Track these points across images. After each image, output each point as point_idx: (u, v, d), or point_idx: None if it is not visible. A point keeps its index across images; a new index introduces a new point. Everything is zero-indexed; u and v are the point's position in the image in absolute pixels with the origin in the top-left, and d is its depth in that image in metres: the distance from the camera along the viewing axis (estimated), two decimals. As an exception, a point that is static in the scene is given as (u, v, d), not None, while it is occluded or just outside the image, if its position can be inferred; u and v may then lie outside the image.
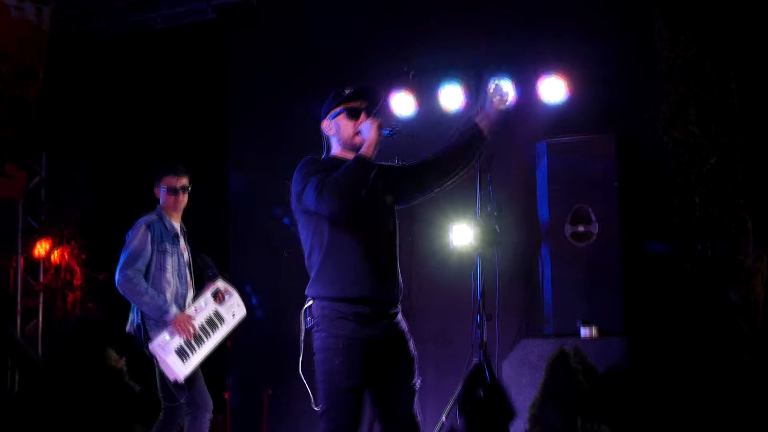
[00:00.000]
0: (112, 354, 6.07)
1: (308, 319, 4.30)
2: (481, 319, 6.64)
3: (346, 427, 4.18)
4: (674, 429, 5.96)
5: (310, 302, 4.33)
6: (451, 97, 7.18)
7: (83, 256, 9.12)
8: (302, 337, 4.34)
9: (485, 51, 7.13)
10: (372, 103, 4.50)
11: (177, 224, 6.27)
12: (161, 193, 6.25)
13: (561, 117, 6.90)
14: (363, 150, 4.25)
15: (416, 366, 4.34)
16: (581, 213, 6.54)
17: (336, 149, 4.49)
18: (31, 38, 8.77)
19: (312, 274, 4.32)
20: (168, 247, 6.11)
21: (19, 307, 8.99)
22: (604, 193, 6.52)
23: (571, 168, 6.60)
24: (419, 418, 4.33)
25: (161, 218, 6.18)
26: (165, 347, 5.88)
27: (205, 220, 7.21)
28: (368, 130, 4.30)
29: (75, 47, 9.20)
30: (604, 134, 6.63)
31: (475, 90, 7.10)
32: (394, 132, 4.42)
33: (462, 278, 6.98)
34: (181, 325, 5.93)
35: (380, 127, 4.32)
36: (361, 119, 4.41)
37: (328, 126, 4.48)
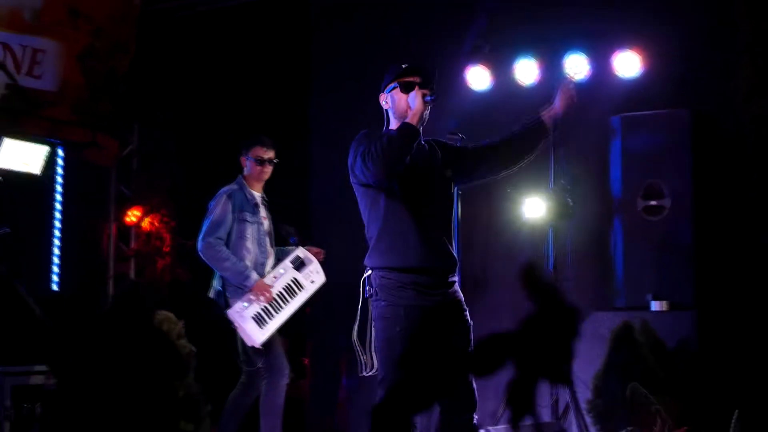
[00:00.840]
0: (169, 316, 6.28)
1: (367, 288, 4.47)
2: (553, 291, 6.72)
3: None
4: (743, 405, 5.98)
5: (369, 272, 4.48)
6: (526, 71, 7.23)
7: (173, 224, 9.42)
8: (360, 306, 4.51)
9: (560, 25, 7.15)
10: (426, 78, 4.59)
11: (258, 194, 6.48)
12: (248, 162, 6.48)
13: (636, 91, 6.89)
14: (408, 119, 4.40)
15: (471, 335, 4.47)
16: (654, 187, 6.55)
17: (393, 122, 4.64)
18: (122, 13, 9.05)
19: (371, 245, 4.49)
20: (248, 216, 6.33)
21: (111, 271, 9.34)
22: (677, 168, 6.52)
23: (645, 142, 6.62)
24: (474, 386, 4.46)
25: (242, 188, 6.41)
26: (243, 314, 6.11)
27: (288, 193, 7.41)
28: (413, 99, 4.43)
29: (166, 21, 9.46)
30: (680, 109, 6.62)
31: (550, 64, 7.15)
32: (433, 98, 4.51)
33: (534, 251, 7.07)
34: (260, 291, 6.16)
35: (424, 96, 4.44)
36: (416, 92, 4.51)
37: (384, 99, 4.66)
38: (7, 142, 7.69)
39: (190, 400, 5.47)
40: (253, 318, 6.11)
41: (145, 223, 9.38)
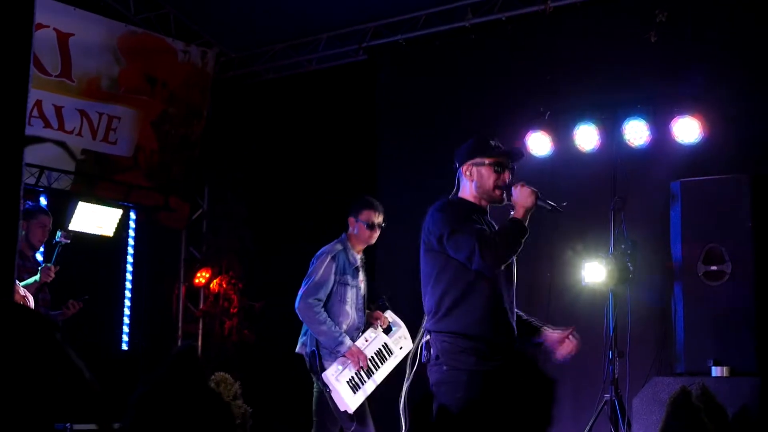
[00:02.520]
0: (225, 377, 6.39)
1: (425, 353, 4.47)
2: (613, 355, 6.75)
3: None
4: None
5: (428, 336, 4.48)
6: (586, 137, 7.31)
7: (240, 285, 9.61)
8: (413, 369, 4.55)
9: (620, 91, 7.25)
10: (514, 161, 4.71)
11: (359, 256, 6.49)
12: (357, 225, 6.42)
13: (695, 157, 6.94)
14: (519, 215, 4.46)
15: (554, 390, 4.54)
16: (714, 252, 6.55)
17: (470, 193, 4.65)
18: (196, 80, 9.38)
19: (437, 310, 4.47)
20: (349, 279, 6.32)
21: (180, 332, 9.55)
22: (737, 233, 6.51)
23: (705, 208, 6.63)
24: None
25: (345, 249, 6.38)
26: (338, 377, 6.12)
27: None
28: (525, 197, 4.48)
29: (236, 88, 9.76)
30: (739, 174, 6.63)
31: (611, 130, 7.23)
32: (551, 208, 4.69)
33: (595, 315, 7.09)
34: (355, 357, 6.14)
35: (537, 198, 4.52)
36: (505, 175, 4.61)
37: (468, 170, 4.65)
38: (82, 205, 7.98)
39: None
40: (348, 382, 6.13)
41: (214, 285, 9.59)
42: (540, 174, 7.61)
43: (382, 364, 6.30)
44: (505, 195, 4.61)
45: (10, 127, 2.59)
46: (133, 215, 8.94)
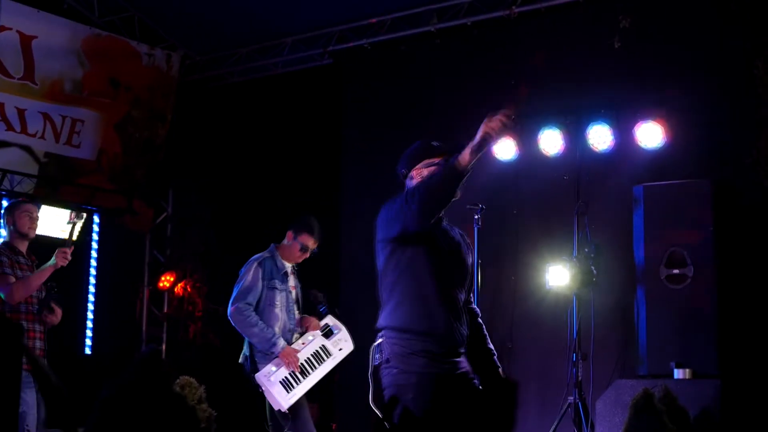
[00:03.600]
0: (190, 381, 6.34)
1: (377, 356, 4.34)
2: (577, 358, 6.80)
3: None
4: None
5: (380, 339, 4.36)
6: (551, 141, 7.37)
7: (205, 289, 9.58)
8: (370, 372, 4.51)
9: (584, 96, 7.31)
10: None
11: (288, 264, 6.61)
12: (293, 242, 6.54)
13: (658, 162, 7.02)
14: (463, 154, 4.11)
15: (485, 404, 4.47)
16: (677, 256, 6.61)
17: None
18: (160, 83, 9.33)
19: (388, 305, 4.37)
20: (277, 284, 6.45)
21: (144, 335, 9.51)
22: (700, 237, 6.58)
23: (668, 212, 6.69)
24: None
25: (273, 257, 6.53)
26: (270, 378, 6.24)
27: (318, 259, 7.53)
28: (483, 128, 4.15)
29: (201, 92, 9.72)
30: (701, 179, 6.71)
31: (575, 135, 7.29)
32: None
33: (558, 318, 7.15)
34: (288, 358, 6.28)
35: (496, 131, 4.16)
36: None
37: (419, 174, 4.44)
38: (45, 209, 7.91)
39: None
40: (281, 382, 6.23)
41: (178, 289, 9.55)
42: (505, 178, 7.69)
43: (319, 364, 6.43)
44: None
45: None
46: (96, 219, 8.88)
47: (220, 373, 7.79)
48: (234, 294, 6.41)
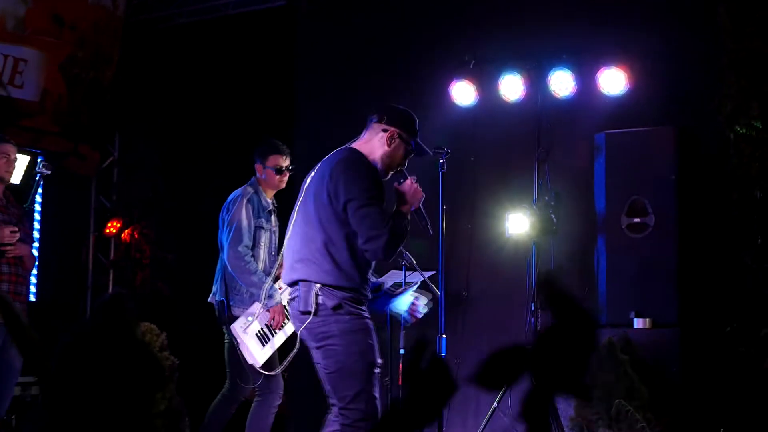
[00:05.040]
0: (151, 328, 6.19)
1: (311, 303, 4.46)
2: (535, 307, 6.72)
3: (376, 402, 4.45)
4: (726, 423, 5.97)
5: (317, 287, 4.46)
6: (512, 87, 7.23)
7: (152, 236, 9.36)
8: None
9: (545, 41, 7.16)
10: (419, 155, 4.75)
11: (270, 200, 6.31)
12: (265, 171, 6.24)
13: (620, 109, 6.90)
14: (405, 210, 4.50)
15: None
16: (638, 205, 6.54)
17: (378, 156, 4.62)
18: (106, 23, 9.02)
19: (327, 262, 4.47)
20: (264, 223, 6.16)
21: (90, 282, 9.27)
22: (661, 186, 6.52)
23: (629, 160, 6.62)
24: None
25: (257, 193, 6.21)
26: (246, 329, 5.94)
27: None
28: (415, 196, 4.53)
29: (149, 32, 9.41)
30: (664, 126, 6.63)
31: (536, 80, 7.15)
32: (425, 222, 4.71)
33: (518, 267, 7.06)
34: (277, 315, 5.97)
35: (419, 202, 4.58)
36: (406, 158, 4.67)
37: (391, 136, 4.60)
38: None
39: (172, 413, 5.39)
40: (257, 335, 5.96)
41: (125, 235, 9.31)
42: (464, 124, 7.55)
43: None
44: (392, 175, 4.66)
45: None
46: (41, 162, 8.56)
47: (169, 321, 7.60)
48: (230, 236, 6.03)
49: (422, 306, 4.90)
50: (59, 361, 2.21)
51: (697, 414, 5.88)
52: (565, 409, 6.04)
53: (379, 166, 4.60)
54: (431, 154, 4.83)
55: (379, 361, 4.46)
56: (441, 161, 5.19)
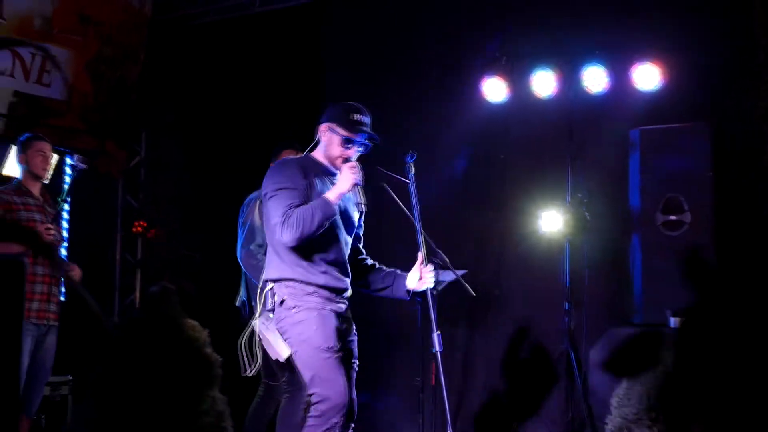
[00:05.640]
0: (194, 324, 6.11)
1: (269, 301, 4.83)
2: (570, 306, 6.64)
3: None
4: (764, 423, 5.87)
5: (271, 285, 4.78)
6: (544, 83, 7.13)
7: (179, 234, 9.31)
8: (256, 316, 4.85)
9: (578, 36, 7.07)
10: (369, 141, 4.83)
11: None
12: None
13: (655, 105, 6.80)
14: (332, 196, 4.60)
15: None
16: (674, 202, 6.45)
17: (319, 153, 4.85)
18: (133, 22, 8.98)
19: (274, 257, 4.76)
20: None
21: (117, 282, 9.24)
22: (697, 183, 6.42)
23: (664, 156, 6.52)
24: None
25: None
26: (269, 325, 5.90)
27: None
28: (345, 180, 4.64)
29: (175, 31, 9.37)
30: (699, 122, 6.53)
31: (568, 76, 7.06)
32: (364, 204, 4.77)
33: (551, 265, 6.98)
34: None
35: (354, 185, 4.66)
36: (352, 150, 4.78)
37: (323, 131, 4.83)
38: (15, 150, 7.60)
39: (216, 412, 5.31)
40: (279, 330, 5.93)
41: (152, 234, 9.27)
42: (495, 120, 7.47)
43: None
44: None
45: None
46: (69, 161, 8.55)
47: (198, 320, 7.54)
48: (243, 235, 6.09)
49: (431, 275, 4.96)
50: (107, 355, 2.16)
51: (737, 413, 5.78)
52: (602, 408, 5.96)
53: (325, 162, 4.81)
54: (378, 140, 4.85)
55: (332, 345, 4.60)
56: (408, 164, 5.15)
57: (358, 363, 4.93)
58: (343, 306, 4.83)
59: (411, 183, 4.99)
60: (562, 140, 7.08)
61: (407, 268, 4.95)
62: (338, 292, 4.78)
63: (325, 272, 4.70)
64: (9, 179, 6.71)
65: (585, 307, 6.72)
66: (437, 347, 4.86)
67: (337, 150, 4.77)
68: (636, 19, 6.95)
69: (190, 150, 9.42)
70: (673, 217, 6.44)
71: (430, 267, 4.97)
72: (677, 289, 6.33)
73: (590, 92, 7.01)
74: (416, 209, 4.96)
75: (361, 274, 5.06)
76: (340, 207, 4.72)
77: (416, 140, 7.69)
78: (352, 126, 4.77)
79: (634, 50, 6.82)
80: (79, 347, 7.04)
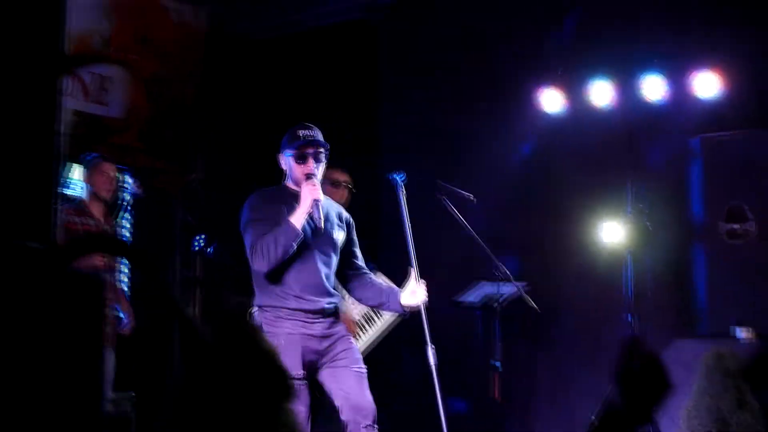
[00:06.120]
0: (267, 338, 6.13)
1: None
2: (632, 318, 6.57)
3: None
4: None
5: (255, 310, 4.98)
6: (601, 93, 7.08)
7: (237, 252, 9.34)
8: None
9: (636, 45, 7.00)
10: (320, 148, 5.07)
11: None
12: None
13: (715, 113, 6.72)
14: (294, 218, 4.79)
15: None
16: (737, 210, 6.37)
17: (288, 181, 5.14)
18: (189, 41, 9.06)
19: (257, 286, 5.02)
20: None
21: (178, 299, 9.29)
22: (761, 190, 6.34)
23: (727, 164, 6.45)
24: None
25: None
26: None
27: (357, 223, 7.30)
28: (305, 197, 4.85)
29: (230, 49, 9.43)
30: (762, 129, 6.44)
31: (627, 86, 7.00)
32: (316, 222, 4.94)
33: (612, 276, 6.90)
34: (346, 323, 5.96)
35: (314, 201, 4.87)
36: (308, 163, 4.99)
37: (281, 161, 5.17)
38: (78, 170, 7.69)
39: (291, 425, 5.32)
40: None
41: (210, 251, 9.30)
42: (553, 132, 7.42)
43: (369, 327, 6.10)
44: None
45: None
46: (128, 179, 8.63)
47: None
48: None
49: (423, 290, 5.06)
50: (188, 370, 2.16)
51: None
52: (666, 422, 5.87)
53: (295, 188, 5.02)
54: (327, 146, 5.09)
55: (296, 373, 4.65)
56: (398, 183, 5.31)
57: (364, 366, 4.99)
58: (320, 327, 4.90)
59: (402, 201, 5.23)
60: (622, 150, 7.01)
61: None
62: (313, 313, 4.88)
63: (297, 296, 4.85)
64: (71, 198, 6.78)
65: (648, 318, 6.63)
66: (431, 361, 4.92)
67: (297, 170, 5.00)
68: (694, 27, 6.88)
69: (247, 166, 9.46)
70: (736, 226, 6.35)
71: (422, 283, 5.07)
72: (742, 299, 6.24)
73: (649, 101, 6.94)
74: (407, 225, 5.17)
75: (356, 290, 5.25)
76: (312, 227, 4.90)
77: (473, 153, 7.68)
78: (299, 142, 5.03)
79: (692, 58, 6.75)
80: (141, 363, 7.10)
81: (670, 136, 6.88)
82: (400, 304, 5.08)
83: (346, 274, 5.21)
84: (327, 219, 5.02)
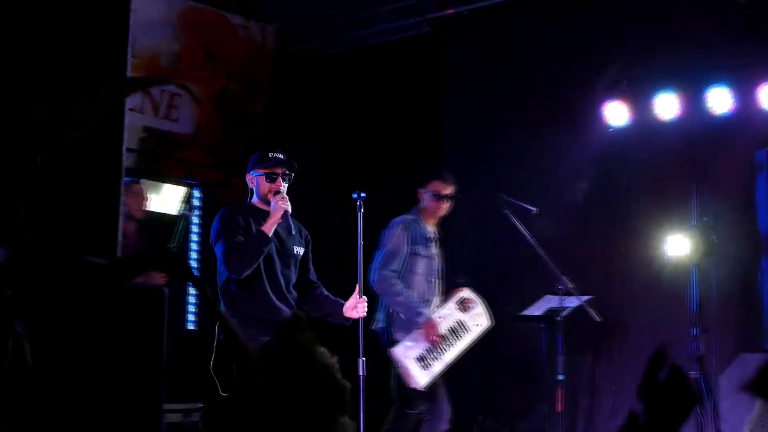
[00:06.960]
0: (325, 351, 6.16)
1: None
2: (698, 331, 6.51)
3: None
4: None
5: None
6: (666, 106, 7.05)
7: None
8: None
9: (701, 58, 6.96)
10: (289, 169, 5.42)
11: (431, 229, 6.36)
12: (425, 196, 6.34)
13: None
14: (265, 227, 5.13)
15: None
16: (805, 224, 6.29)
17: (255, 199, 5.44)
18: (257, 57, 9.21)
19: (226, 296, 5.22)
20: (421, 249, 6.21)
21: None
22: (829, 203, 6.26)
23: (794, 177, 6.37)
24: None
25: (417, 221, 6.29)
26: (407, 353, 5.96)
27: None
28: (275, 208, 5.20)
29: (296, 64, 9.56)
30: (830, 142, 6.36)
31: (692, 98, 6.96)
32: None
33: (677, 290, 6.85)
34: (429, 330, 6.00)
35: (285, 212, 5.23)
36: (277, 183, 5.34)
37: (250, 181, 5.46)
38: (146, 184, 7.86)
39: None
40: (417, 359, 5.95)
41: (277, 263, 9.41)
42: (617, 145, 7.40)
43: (456, 341, 6.11)
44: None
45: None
46: (197, 193, 8.79)
47: (313, 340, 7.63)
48: (378, 259, 6.16)
49: (363, 306, 5.32)
50: (244, 380, 2.22)
51: None
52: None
53: (262, 206, 5.34)
54: (296, 166, 5.46)
55: None
56: (358, 203, 5.63)
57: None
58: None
59: (359, 218, 5.50)
60: (687, 163, 6.97)
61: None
62: (273, 321, 5.04)
63: (258, 304, 5.14)
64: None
65: (713, 332, 6.57)
66: (361, 372, 5.16)
67: (264, 187, 5.33)
68: (759, 39, 6.81)
69: (314, 179, 9.56)
70: (804, 240, 6.27)
71: (364, 299, 5.32)
72: (811, 313, 6.16)
73: (715, 114, 6.89)
74: (360, 243, 5.45)
75: (308, 302, 5.48)
76: (277, 241, 5.23)
77: (537, 166, 7.68)
78: (269, 162, 5.35)
79: (758, 70, 6.71)
80: (210, 374, 7.20)
81: (736, 149, 6.81)
82: (343, 316, 5.35)
83: (301, 285, 5.47)
84: (290, 233, 5.38)
